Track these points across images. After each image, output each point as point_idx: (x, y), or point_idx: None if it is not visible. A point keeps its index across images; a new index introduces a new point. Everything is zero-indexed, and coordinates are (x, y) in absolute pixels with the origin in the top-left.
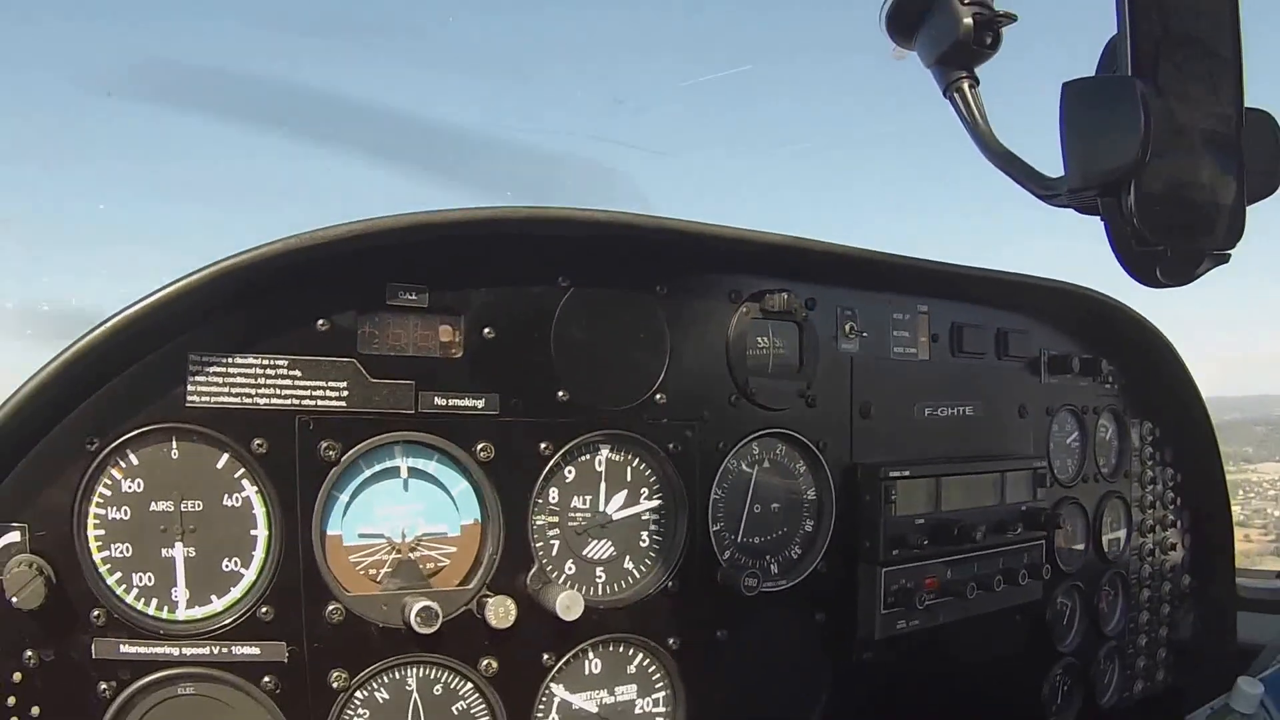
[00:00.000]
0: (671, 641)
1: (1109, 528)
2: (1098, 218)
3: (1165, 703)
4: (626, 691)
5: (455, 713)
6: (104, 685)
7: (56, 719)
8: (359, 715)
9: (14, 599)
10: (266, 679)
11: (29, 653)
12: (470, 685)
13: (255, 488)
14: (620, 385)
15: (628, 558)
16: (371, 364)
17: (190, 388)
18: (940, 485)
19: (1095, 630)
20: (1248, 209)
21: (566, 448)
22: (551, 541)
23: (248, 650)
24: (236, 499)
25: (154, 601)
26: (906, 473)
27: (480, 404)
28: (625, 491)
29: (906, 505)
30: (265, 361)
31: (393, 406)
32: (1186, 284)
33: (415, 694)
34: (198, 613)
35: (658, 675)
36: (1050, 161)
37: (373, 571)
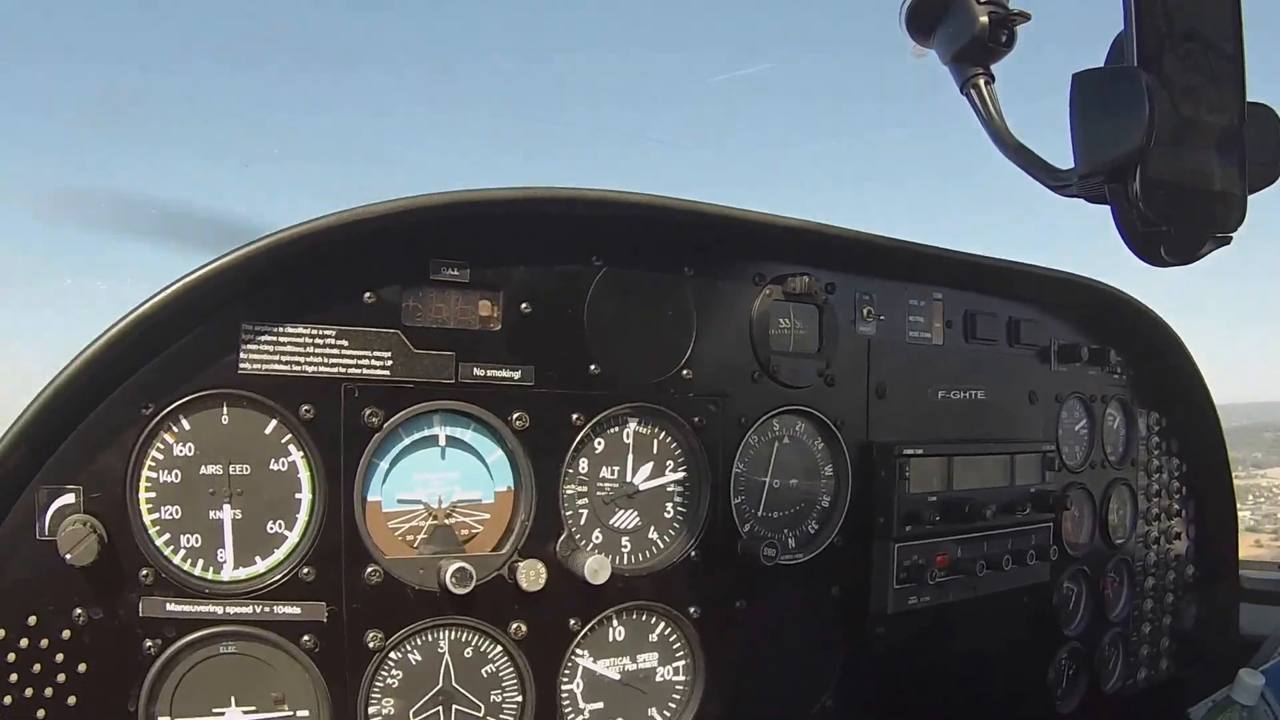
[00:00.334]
0: (693, 610)
1: (1115, 514)
2: (1106, 207)
3: (1168, 692)
4: (648, 660)
5: (484, 675)
6: (149, 643)
7: (103, 675)
8: (393, 676)
9: (68, 555)
10: (306, 638)
11: (78, 611)
12: (500, 649)
13: (301, 453)
14: (649, 361)
15: (653, 527)
16: (414, 335)
17: (242, 356)
18: (952, 465)
19: (1100, 616)
20: (1249, 198)
21: (596, 419)
22: (580, 510)
23: (289, 610)
24: (283, 463)
25: (200, 562)
26: (920, 451)
27: (516, 375)
28: (651, 463)
29: (919, 483)
30: (314, 331)
31: (433, 376)
32: (1189, 263)
33: (447, 656)
34: (242, 573)
35: (678, 644)
36: (1061, 157)
37: (410, 536)
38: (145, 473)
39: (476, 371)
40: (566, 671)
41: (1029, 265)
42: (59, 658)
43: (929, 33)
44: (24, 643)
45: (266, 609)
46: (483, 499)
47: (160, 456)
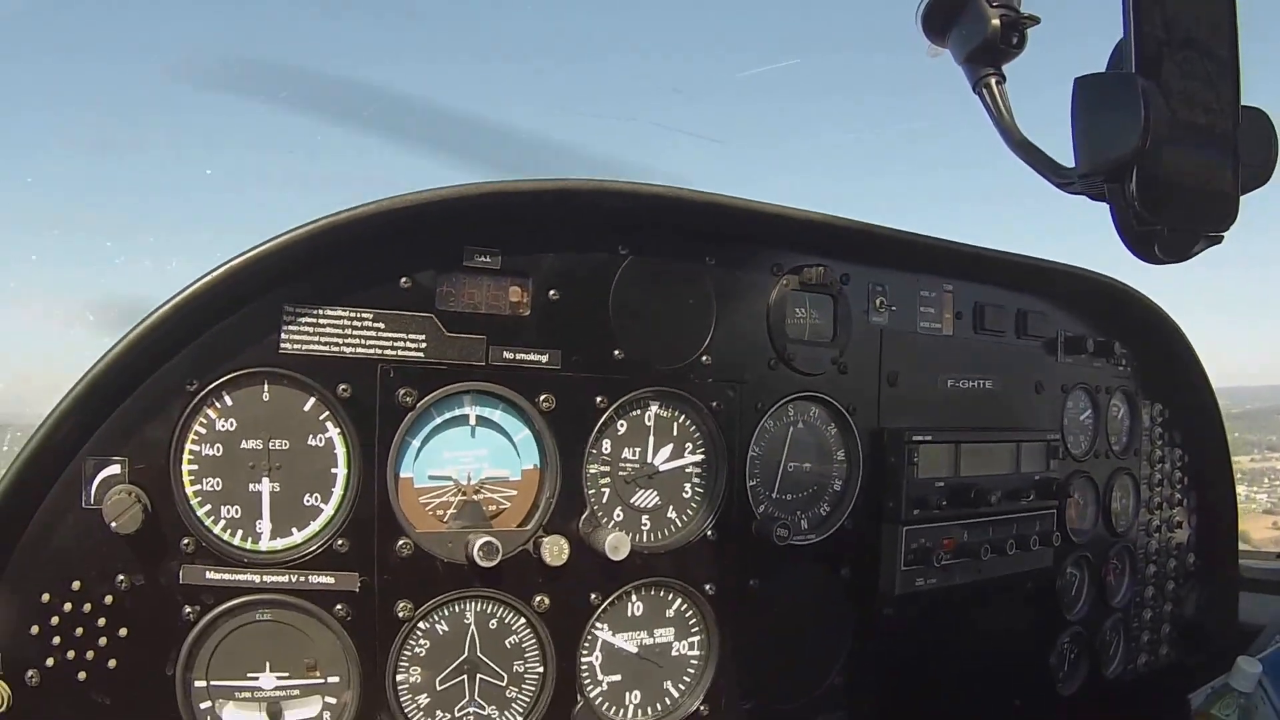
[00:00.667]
0: (708, 587)
1: (1118, 502)
2: (1106, 204)
3: (1168, 677)
4: (664, 634)
5: (508, 646)
6: (189, 609)
7: (143, 639)
8: (420, 644)
9: (113, 523)
10: (339, 607)
11: (121, 577)
12: (523, 621)
13: (338, 429)
14: (670, 346)
15: (671, 507)
16: (448, 319)
17: (284, 336)
18: (959, 451)
19: (1102, 602)
20: (1242, 197)
21: (619, 402)
22: (603, 489)
23: (323, 580)
24: (320, 439)
25: (239, 532)
26: (929, 438)
27: (544, 359)
28: (671, 445)
29: (928, 468)
30: (352, 314)
31: (465, 359)
32: (1182, 261)
33: (472, 626)
34: (279, 544)
35: (694, 620)
36: (1068, 155)
37: (440, 511)
38: (189, 446)
39: (506, 355)
40: (586, 644)
41: (1037, 259)
42: (101, 622)
43: (944, 33)
44: (67, 607)
45: (301, 578)
46: (510, 476)
47: (203, 431)
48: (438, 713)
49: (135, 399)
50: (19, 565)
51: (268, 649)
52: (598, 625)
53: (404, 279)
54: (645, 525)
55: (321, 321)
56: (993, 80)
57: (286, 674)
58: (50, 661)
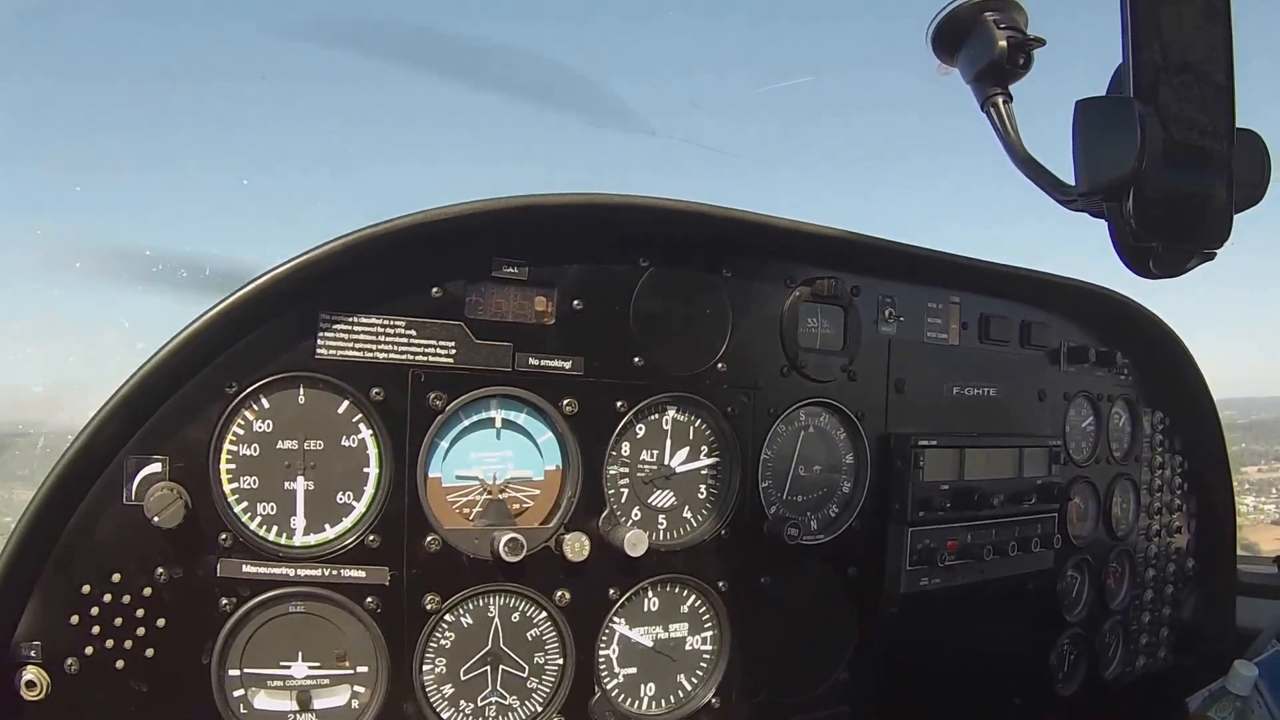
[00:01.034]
0: (721, 584)
1: (1118, 507)
2: (1105, 221)
3: (1166, 680)
4: (679, 629)
5: (529, 638)
6: (225, 601)
7: (180, 629)
8: (446, 636)
9: (155, 518)
10: (369, 599)
11: (160, 570)
12: (544, 614)
13: (370, 431)
14: (687, 354)
15: (687, 507)
16: (476, 327)
17: (319, 342)
18: (964, 456)
19: (1102, 604)
20: (1235, 216)
21: (639, 407)
22: (622, 489)
23: (354, 573)
24: (353, 440)
25: (274, 528)
26: (934, 443)
27: (568, 365)
28: (688, 448)
29: (933, 472)
30: (385, 321)
31: (493, 365)
32: (1176, 277)
33: (496, 619)
34: (312, 539)
35: (707, 615)
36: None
37: (466, 510)
38: (227, 446)
39: (531, 361)
40: (604, 637)
41: (1042, 272)
42: (140, 613)
43: (953, 54)
44: (107, 598)
45: (334, 572)
46: (533, 476)
47: (241, 431)
48: (461, 702)
49: (176, 400)
50: (60, 558)
51: (300, 639)
52: (615, 619)
53: (435, 288)
54: (662, 524)
55: (356, 328)
56: (1000, 99)
57: (317, 664)
58: (89, 650)
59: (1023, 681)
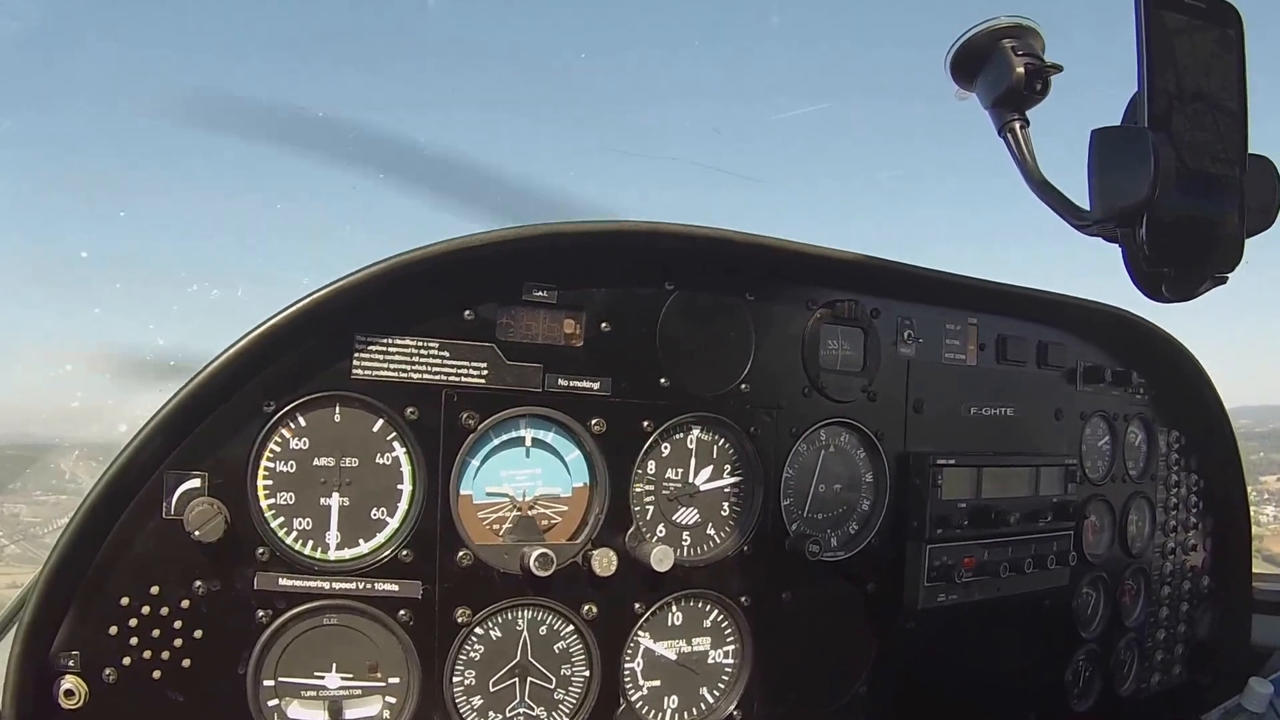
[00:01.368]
0: (743, 599)
1: (1134, 525)
2: (1119, 245)
3: (1181, 697)
4: (701, 643)
5: (556, 651)
6: (261, 613)
7: (217, 641)
8: (476, 649)
9: (196, 533)
10: (402, 612)
11: (198, 583)
12: (571, 628)
13: (404, 449)
14: (712, 375)
15: (710, 524)
16: (507, 349)
17: (355, 362)
18: (981, 474)
19: (1117, 621)
20: (1247, 240)
21: (664, 426)
22: (647, 506)
23: (388, 587)
24: (387, 458)
25: (310, 543)
26: (952, 462)
27: (596, 386)
28: (711, 467)
29: (951, 490)
30: (419, 343)
31: (523, 385)
32: (1188, 300)
33: (524, 632)
34: (346, 554)
35: (729, 630)
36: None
37: (496, 526)
38: (264, 462)
39: (561, 382)
40: (629, 650)
41: (1058, 294)
42: (177, 624)
43: (971, 79)
44: (145, 609)
45: (368, 585)
46: (561, 494)
47: (278, 449)
48: (490, 713)
49: (216, 418)
50: (100, 570)
51: (334, 651)
52: (640, 633)
53: (467, 311)
54: (686, 541)
55: (390, 350)
56: (1017, 124)
57: (350, 675)
58: (127, 661)
59: (1038, 697)
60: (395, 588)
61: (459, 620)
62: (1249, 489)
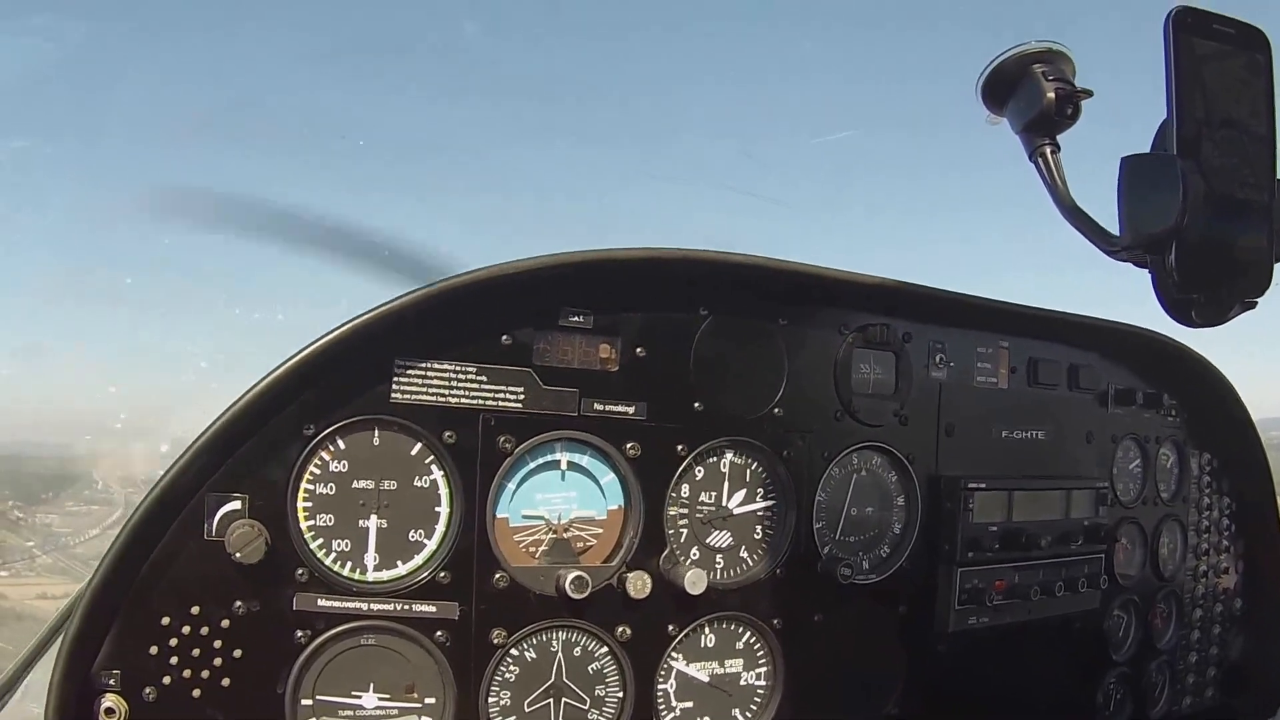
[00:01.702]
0: (776, 621)
1: (1165, 547)
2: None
3: None
4: (734, 665)
5: (590, 672)
6: (300, 633)
7: (256, 660)
8: (511, 670)
9: (237, 554)
10: (439, 633)
11: (238, 603)
12: (605, 649)
13: (442, 472)
14: (745, 399)
15: (743, 547)
16: (544, 374)
17: (394, 387)
18: (1012, 498)
19: (1149, 644)
20: (1277, 265)
21: (698, 450)
22: (681, 529)
23: (425, 608)
24: (425, 481)
25: (349, 564)
26: (983, 485)
27: (631, 410)
28: (744, 490)
29: (982, 514)
30: (457, 368)
31: (559, 409)
32: (1217, 325)
33: (559, 653)
34: (385, 575)
35: (762, 652)
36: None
37: (532, 549)
38: (304, 485)
39: (597, 406)
40: (662, 672)
41: (1088, 317)
42: (217, 644)
43: (1002, 104)
44: (186, 629)
45: (405, 607)
46: (596, 516)
47: (318, 471)
48: None
49: (257, 442)
50: (141, 590)
51: (371, 671)
52: (673, 655)
53: (505, 336)
54: (719, 563)
55: (429, 375)
56: (1048, 149)
57: (387, 695)
58: (167, 680)
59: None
60: (433, 609)
61: (495, 641)
62: None
